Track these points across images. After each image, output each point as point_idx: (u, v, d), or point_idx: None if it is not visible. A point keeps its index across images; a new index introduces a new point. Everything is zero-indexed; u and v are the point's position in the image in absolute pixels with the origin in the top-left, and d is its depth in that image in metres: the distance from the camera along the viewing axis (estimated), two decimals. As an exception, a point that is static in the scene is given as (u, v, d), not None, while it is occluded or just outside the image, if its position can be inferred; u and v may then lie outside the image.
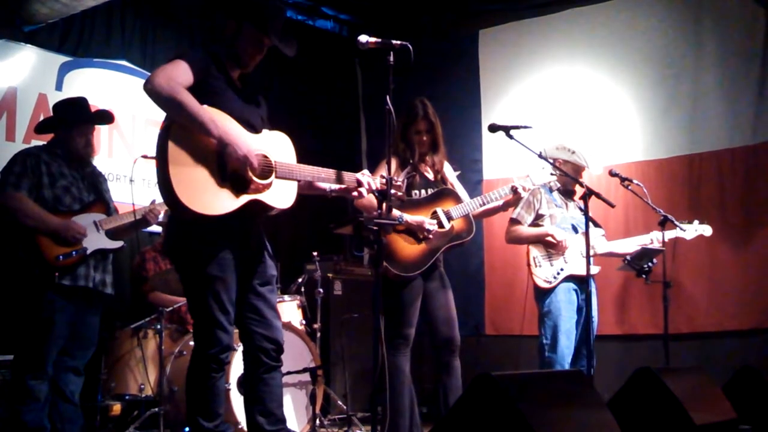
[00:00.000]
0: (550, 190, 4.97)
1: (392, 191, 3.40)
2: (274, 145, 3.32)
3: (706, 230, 5.04)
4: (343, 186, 3.48)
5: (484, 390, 2.66)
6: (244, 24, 3.31)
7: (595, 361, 4.78)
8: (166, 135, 3.04)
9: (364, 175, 3.49)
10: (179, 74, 3.07)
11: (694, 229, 5.01)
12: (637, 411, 3.50)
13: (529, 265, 4.94)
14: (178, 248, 3.24)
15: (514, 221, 4.96)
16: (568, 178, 4.76)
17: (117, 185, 5.87)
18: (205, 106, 3.09)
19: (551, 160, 4.77)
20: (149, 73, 6.42)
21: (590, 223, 4.87)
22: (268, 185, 3.22)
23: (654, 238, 4.93)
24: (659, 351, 4.81)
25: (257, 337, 3.29)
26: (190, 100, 3.02)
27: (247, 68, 3.39)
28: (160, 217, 4.58)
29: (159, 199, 4.57)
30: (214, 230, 3.12)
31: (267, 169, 3.23)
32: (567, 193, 5.07)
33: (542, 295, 4.87)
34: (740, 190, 6.03)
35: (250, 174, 3.13)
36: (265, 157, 3.22)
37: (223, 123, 3.10)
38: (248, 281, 3.30)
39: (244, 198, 3.15)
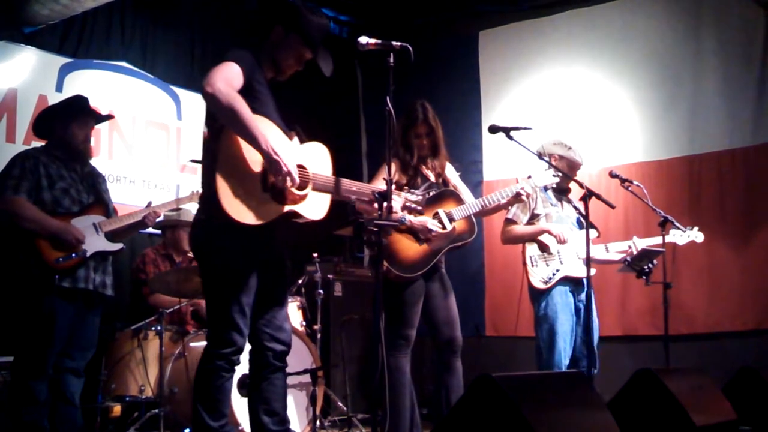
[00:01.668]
0: (545, 189, 4.96)
1: (413, 206, 3.51)
2: (313, 157, 3.37)
3: (698, 237, 5.02)
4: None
5: (485, 391, 2.66)
6: (291, 34, 3.35)
7: (598, 363, 4.79)
8: (217, 140, 3.10)
9: (400, 195, 3.52)
10: (234, 79, 3.11)
11: (687, 235, 5.00)
12: (638, 412, 3.50)
13: (525, 264, 4.92)
14: (206, 249, 3.27)
15: (510, 221, 4.94)
16: (565, 176, 4.76)
17: (117, 186, 5.88)
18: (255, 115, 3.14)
19: (547, 156, 4.77)
20: (149, 74, 6.42)
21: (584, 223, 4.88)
22: (305, 196, 3.28)
23: (632, 245, 4.92)
24: (659, 352, 4.81)
25: (266, 336, 3.34)
26: (246, 112, 3.05)
27: (283, 76, 3.45)
28: (159, 218, 4.58)
29: (156, 202, 4.60)
30: (244, 235, 3.15)
31: (304, 181, 3.28)
32: (561, 191, 5.05)
33: (538, 296, 4.85)
34: (740, 191, 6.03)
35: (290, 186, 3.18)
36: (304, 168, 3.27)
37: (267, 133, 3.13)
38: (265, 283, 3.33)
39: (282, 208, 3.21)
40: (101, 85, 6.00)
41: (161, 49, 6.50)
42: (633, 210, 6.21)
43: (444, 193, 4.24)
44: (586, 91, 6.77)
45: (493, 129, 4.11)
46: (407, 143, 4.24)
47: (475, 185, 6.95)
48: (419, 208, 3.61)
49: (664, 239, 4.83)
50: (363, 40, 3.31)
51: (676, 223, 4.90)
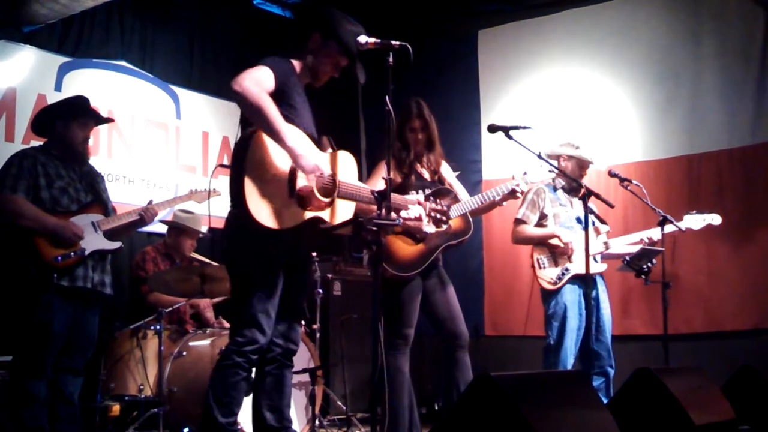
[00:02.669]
0: (554, 189, 4.97)
1: (439, 216, 3.59)
2: (339, 165, 3.41)
3: (715, 219, 4.99)
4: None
5: (484, 390, 2.65)
6: (329, 42, 3.41)
7: (613, 362, 4.79)
8: (246, 145, 3.14)
9: (422, 203, 3.60)
10: (264, 80, 3.18)
11: (702, 219, 4.97)
12: (637, 411, 3.50)
13: (533, 267, 4.93)
14: (235, 249, 3.31)
15: (520, 221, 4.95)
16: (564, 175, 4.76)
17: (116, 185, 5.87)
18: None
19: (555, 157, 4.77)
20: (148, 74, 6.42)
21: (596, 220, 4.88)
22: (330, 203, 3.33)
23: (648, 237, 4.91)
24: (658, 351, 4.81)
25: (277, 334, 3.37)
26: (272, 109, 3.12)
27: (319, 83, 3.52)
28: (158, 217, 4.58)
29: (156, 200, 4.60)
30: (272, 239, 3.18)
31: (330, 188, 3.32)
32: (572, 191, 5.04)
33: (548, 296, 4.86)
34: (739, 190, 6.03)
35: (316, 192, 3.22)
36: (332, 175, 3.30)
37: (298, 137, 3.20)
38: (288, 284, 3.37)
39: (307, 215, 3.26)
40: (100, 84, 6.00)
41: (160, 48, 6.50)
42: (632, 209, 6.20)
43: (439, 191, 4.22)
44: (586, 90, 6.77)
45: (492, 128, 4.10)
46: (403, 139, 4.25)
47: (474, 185, 6.94)
48: (445, 218, 3.64)
49: (663, 238, 4.83)
50: (362, 39, 3.32)
51: (675, 222, 4.89)
